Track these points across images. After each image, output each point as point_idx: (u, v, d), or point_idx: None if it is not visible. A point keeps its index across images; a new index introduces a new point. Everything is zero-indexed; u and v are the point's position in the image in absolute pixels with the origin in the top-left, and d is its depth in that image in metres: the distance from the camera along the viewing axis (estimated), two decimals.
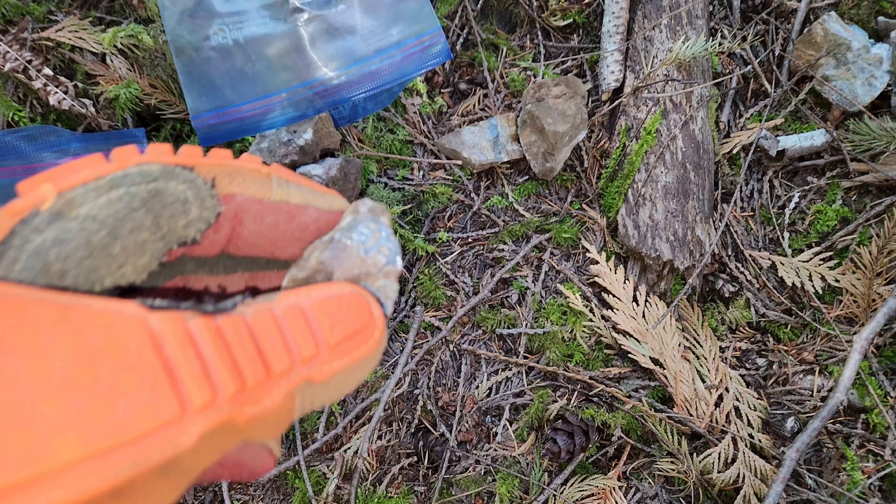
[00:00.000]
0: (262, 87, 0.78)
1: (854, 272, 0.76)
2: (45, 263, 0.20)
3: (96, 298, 0.19)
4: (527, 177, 0.80)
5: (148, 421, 0.17)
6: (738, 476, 0.67)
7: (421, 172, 0.80)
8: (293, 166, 0.76)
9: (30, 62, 0.81)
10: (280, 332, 0.22)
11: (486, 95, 0.82)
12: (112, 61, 0.82)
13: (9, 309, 0.17)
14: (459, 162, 0.79)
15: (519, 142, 0.77)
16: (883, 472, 0.68)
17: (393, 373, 0.73)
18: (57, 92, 0.81)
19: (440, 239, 0.79)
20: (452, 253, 0.78)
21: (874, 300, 0.73)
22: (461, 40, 0.84)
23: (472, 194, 0.79)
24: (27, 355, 0.17)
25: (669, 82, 0.77)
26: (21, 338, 0.17)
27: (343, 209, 0.27)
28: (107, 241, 0.21)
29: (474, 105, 0.82)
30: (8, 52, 0.80)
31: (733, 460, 0.68)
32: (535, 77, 0.82)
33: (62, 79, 0.81)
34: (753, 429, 0.69)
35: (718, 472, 0.67)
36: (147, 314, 0.19)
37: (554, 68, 0.84)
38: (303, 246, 0.27)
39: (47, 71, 0.81)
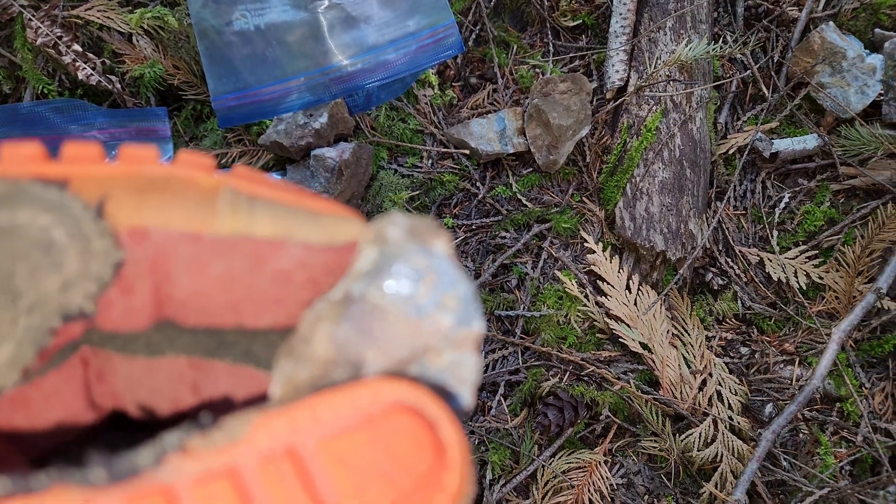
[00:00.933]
0: (281, 72, 0.81)
1: (837, 270, 0.80)
2: None
3: None
4: (531, 169, 0.84)
5: None
6: (717, 455, 0.71)
7: (430, 161, 0.84)
8: (308, 149, 0.79)
9: (60, 38, 0.84)
10: None
11: (495, 90, 0.86)
12: (138, 41, 0.86)
13: None
14: (467, 152, 0.82)
15: (525, 135, 0.81)
16: (854, 457, 0.73)
17: None
18: (85, 68, 0.85)
19: (446, 224, 0.83)
20: (457, 238, 0.82)
21: (855, 297, 0.78)
22: (474, 36, 0.88)
23: (478, 183, 0.83)
24: None
25: (671, 83, 0.81)
26: None
27: (355, 239, 0.16)
28: None
29: (483, 99, 0.86)
30: (40, 27, 0.84)
31: (713, 440, 0.72)
32: (543, 74, 0.86)
33: (90, 55, 0.85)
34: (733, 412, 0.74)
35: (699, 450, 0.71)
36: None
37: (562, 66, 0.87)
38: (290, 309, 0.16)
39: (77, 47, 0.84)
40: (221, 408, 0.17)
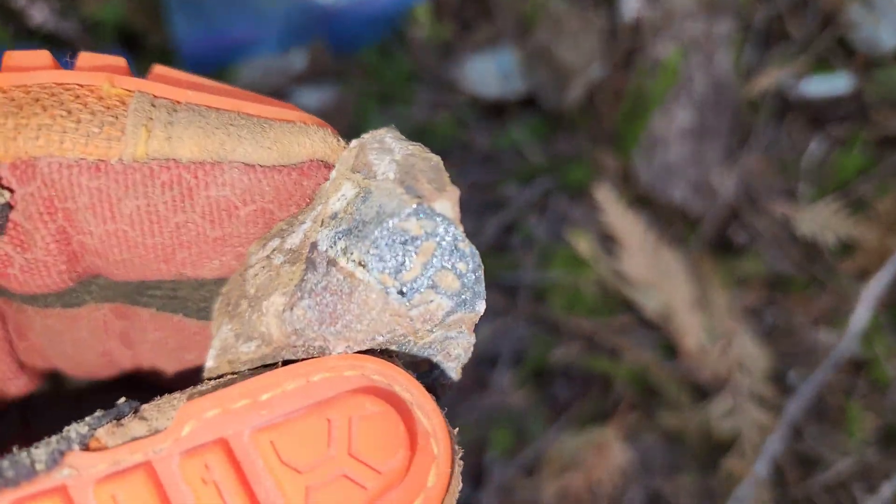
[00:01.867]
0: (256, 10, 0.74)
1: (869, 224, 0.74)
2: None
3: None
4: (536, 114, 0.77)
5: None
6: (738, 426, 0.67)
7: (423, 107, 0.77)
8: (285, 95, 0.72)
9: None
10: None
11: (496, 28, 0.79)
12: None
13: None
14: (464, 97, 0.76)
15: (529, 76, 0.75)
16: (882, 425, 0.69)
17: None
18: (40, 13, 0.77)
19: None
20: None
21: (887, 253, 0.72)
22: None
23: (477, 132, 0.77)
24: None
25: (691, 19, 0.74)
26: None
27: (316, 157, 0.13)
28: None
29: (483, 37, 0.79)
30: None
31: (734, 411, 0.68)
32: (548, 10, 0.79)
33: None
34: (757, 381, 0.70)
35: (719, 422, 0.67)
36: None
37: (569, 1, 0.80)
38: (241, 250, 0.13)
39: None
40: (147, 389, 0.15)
